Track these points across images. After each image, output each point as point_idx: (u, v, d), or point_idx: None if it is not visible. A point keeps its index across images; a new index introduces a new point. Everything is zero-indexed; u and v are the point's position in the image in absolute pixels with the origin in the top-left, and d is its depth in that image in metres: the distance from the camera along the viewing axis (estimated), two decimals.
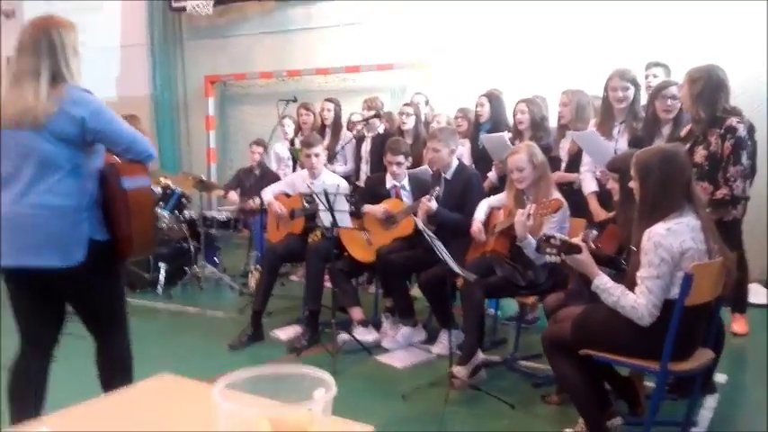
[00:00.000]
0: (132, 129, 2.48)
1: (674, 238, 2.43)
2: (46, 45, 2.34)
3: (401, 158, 4.48)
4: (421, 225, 3.57)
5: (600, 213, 4.01)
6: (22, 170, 2.33)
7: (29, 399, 2.48)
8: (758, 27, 5.71)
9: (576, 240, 2.76)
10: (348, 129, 6.16)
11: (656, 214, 2.48)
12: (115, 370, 2.57)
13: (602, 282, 2.57)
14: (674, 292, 2.46)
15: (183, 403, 1.32)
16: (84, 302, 2.53)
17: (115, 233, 2.44)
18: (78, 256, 2.34)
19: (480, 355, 3.63)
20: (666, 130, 3.87)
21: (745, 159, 3.21)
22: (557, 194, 3.61)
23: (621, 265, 2.76)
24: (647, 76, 4.69)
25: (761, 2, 5.68)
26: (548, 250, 2.62)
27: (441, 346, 4.11)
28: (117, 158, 2.53)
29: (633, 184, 2.61)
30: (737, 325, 4.37)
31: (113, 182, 2.42)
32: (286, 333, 4.54)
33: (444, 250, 3.31)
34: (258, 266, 5.21)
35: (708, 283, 2.51)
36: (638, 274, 2.47)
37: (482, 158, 5.11)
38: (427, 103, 6.14)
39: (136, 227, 2.43)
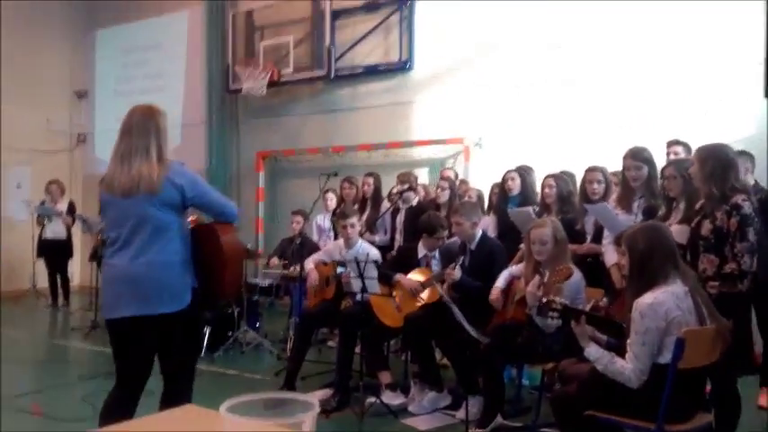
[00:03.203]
0: (222, 196, 3.00)
1: (659, 306, 2.62)
2: (154, 128, 2.84)
3: (443, 233, 4.76)
4: (441, 291, 3.80)
5: (620, 284, 4.15)
6: (137, 235, 2.77)
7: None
8: None
9: (581, 307, 2.95)
10: (388, 201, 6.51)
11: (644, 283, 2.68)
12: None
13: (592, 351, 2.78)
14: (667, 357, 2.61)
15: (202, 425, 1.59)
16: (176, 345, 2.89)
17: (212, 282, 2.89)
18: (187, 300, 2.80)
19: (500, 419, 3.76)
20: (682, 204, 4.03)
21: (751, 236, 3.33)
22: (570, 264, 3.79)
23: (623, 332, 2.92)
24: (668, 154, 4.89)
25: None
26: (550, 314, 2.82)
27: (464, 411, 4.23)
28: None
29: (623, 258, 2.82)
30: (765, 398, 4.36)
31: (212, 239, 2.88)
32: (318, 396, 4.74)
33: (461, 315, 3.52)
34: None
35: (701, 348, 2.65)
36: (628, 341, 2.66)
37: (512, 229, 5.31)
38: (457, 176, 6.44)
39: (230, 275, 2.94)
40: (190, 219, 3.07)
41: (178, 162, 2.91)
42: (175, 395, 2.86)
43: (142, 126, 2.84)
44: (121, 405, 2.84)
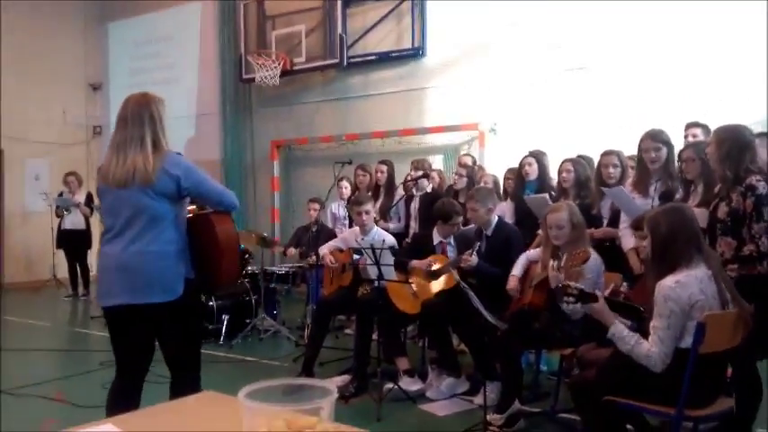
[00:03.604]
0: (220, 185, 2.96)
1: (682, 290, 2.58)
2: (148, 117, 2.81)
3: (457, 220, 4.75)
4: (457, 277, 3.79)
5: (638, 268, 4.12)
6: (132, 225, 2.75)
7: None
8: None
9: (599, 292, 2.93)
10: (403, 189, 6.50)
11: (666, 267, 2.64)
12: None
13: (618, 330, 2.73)
14: (688, 341, 2.59)
15: (221, 411, 1.61)
16: (173, 335, 2.89)
17: (209, 270, 2.87)
18: (179, 291, 2.77)
19: (517, 405, 3.76)
20: (700, 188, 3.98)
21: (767, 215, 3.29)
22: (588, 248, 3.76)
23: (643, 316, 2.90)
24: (686, 136, 4.83)
25: None
26: (565, 298, 2.81)
27: (482, 397, 4.24)
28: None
29: (645, 241, 2.78)
30: None
31: (207, 229, 2.87)
32: (336, 382, 4.77)
33: (478, 301, 3.51)
34: None
35: (723, 333, 2.63)
36: (651, 324, 2.63)
37: (528, 216, 5.28)
38: (474, 163, 6.41)
39: (227, 263, 2.90)
40: (189, 208, 3.04)
41: (175, 152, 2.86)
42: (182, 384, 2.87)
43: (137, 115, 2.80)
44: (124, 394, 2.85)
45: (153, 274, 2.74)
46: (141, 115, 2.79)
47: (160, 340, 2.91)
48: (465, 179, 5.79)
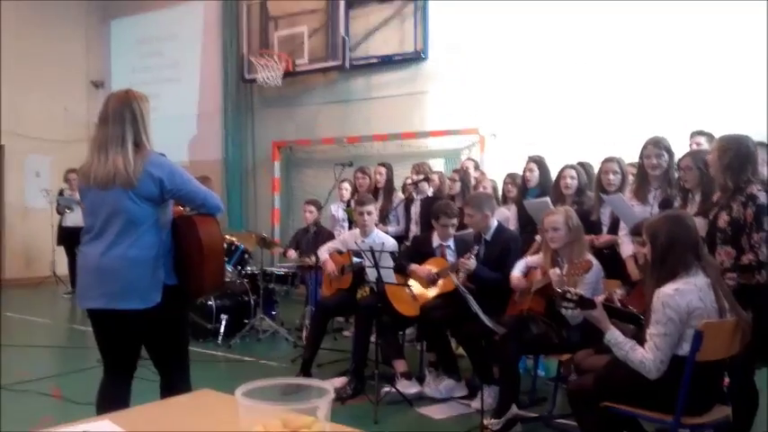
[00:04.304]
0: (203, 186, 2.86)
1: (681, 297, 2.59)
2: (129, 115, 2.70)
3: (455, 221, 4.75)
4: (456, 281, 3.79)
5: (636, 275, 4.13)
6: (110, 226, 2.69)
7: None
8: None
9: (597, 298, 2.94)
10: (403, 192, 6.50)
11: (666, 274, 2.65)
12: None
13: (614, 336, 2.74)
14: (686, 349, 2.60)
15: (218, 409, 1.61)
16: (156, 341, 2.87)
17: (190, 277, 2.79)
18: (155, 299, 2.71)
19: (514, 409, 3.76)
20: (698, 196, 3.99)
21: (767, 225, 3.29)
22: (589, 257, 3.77)
23: (640, 322, 2.91)
24: (690, 145, 4.83)
25: None
26: (564, 304, 2.81)
27: (480, 401, 4.24)
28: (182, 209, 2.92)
29: (645, 248, 2.79)
30: None
31: (190, 232, 2.78)
32: (330, 384, 4.76)
33: (476, 305, 3.52)
34: None
35: (721, 341, 2.63)
36: (648, 331, 2.64)
37: (531, 221, 5.28)
38: (477, 167, 6.42)
39: (209, 269, 2.78)
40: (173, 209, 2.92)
41: (158, 153, 2.76)
42: (171, 384, 2.86)
43: (118, 114, 2.68)
44: (113, 392, 2.83)
45: (129, 281, 2.66)
46: (122, 113, 2.69)
47: (144, 344, 2.88)
48: (459, 183, 5.78)
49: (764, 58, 5.87)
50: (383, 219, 6.12)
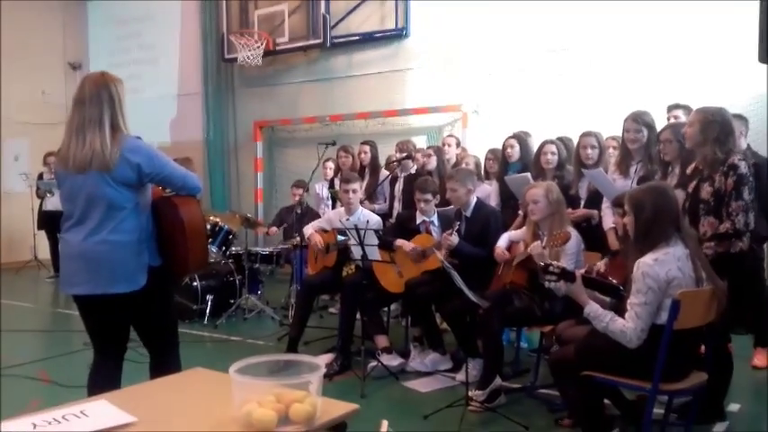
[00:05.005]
0: (181, 168, 2.85)
1: (660, 267, 2.66)
2: (107, 97, 2.69)
3: (429, 196, 4.77)
4: (440, 257, 3.84)
5: (617, 246, 4.19)
6: (91, 212, 2.69)
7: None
8: None
9: (578, 270, 3.00)
10: (386, 169, 6.52)
11: (647, 245, 2.71)
12: None
13: (593, 309, 2.82)
14: (664, 318, 2.67)
15: (211, 387, 1.65)
16: (145, 321, 2.90)
17: (174, 257, 2.82)
18: (141, 282, 2.73)
19: (498, 381, 3.85)
20: (677, 169, 4.05)
21: (746, 194, 3.34)
22: (569, 228, 3.83)
23: (621, 293, 2.98)
24: (668, 118, 4.89)
25: None
26: (546, 277, 2.87)
27: (464, 374, 4.32)
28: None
29: (627, 219, 2.85)
30: (759, 358, 4.45)
31: (171, 213, 2.79)
32: (321, 360, 4.83)
33: (460, 280, 3.57)
34: None
35: (697, 310, 2.71)
36: (628, 300, 2.71)
37: (512, 197, 5.33)
38: (458, 144, 6.44)
39: (192, 249, 2.81)
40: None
41: (134, 136, 2.74)
42: (159, 366, 2.88)
43: (95, 96, 2.67)
44: (105, 374, 2.85)
45: (114, 265, 2.68)
46: (100, 95, 2.67)
47: (133, 325, 2.91)
48: (434, 158, 5.79)
49: (739, 31, 5.91)
50: (370, 196, 6.14)
